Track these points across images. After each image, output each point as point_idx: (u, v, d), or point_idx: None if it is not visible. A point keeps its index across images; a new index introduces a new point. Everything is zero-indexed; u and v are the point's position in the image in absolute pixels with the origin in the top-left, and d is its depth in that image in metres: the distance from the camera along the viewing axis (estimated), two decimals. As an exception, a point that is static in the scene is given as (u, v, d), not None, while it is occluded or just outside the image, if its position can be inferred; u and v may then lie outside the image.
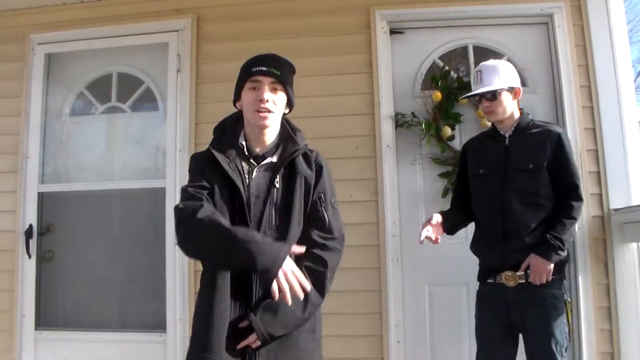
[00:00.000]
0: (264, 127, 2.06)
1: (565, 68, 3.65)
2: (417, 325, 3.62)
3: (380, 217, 3.63)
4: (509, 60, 3.54)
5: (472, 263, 2.95)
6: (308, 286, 1.83)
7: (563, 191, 2.73)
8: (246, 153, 2.09)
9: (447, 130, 3.66)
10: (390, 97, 3.76)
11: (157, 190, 3.87)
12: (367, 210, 3.65)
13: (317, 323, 2.07)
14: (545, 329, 2.62)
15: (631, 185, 3.50)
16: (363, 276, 3.58)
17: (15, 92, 4.10)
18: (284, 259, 1.79)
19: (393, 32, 3.86)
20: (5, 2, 4.15)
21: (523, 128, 2.85)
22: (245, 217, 1.96)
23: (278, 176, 2.04)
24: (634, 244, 3.41)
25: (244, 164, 2.06)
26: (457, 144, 3.60)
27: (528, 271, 2.66)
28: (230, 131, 2.14)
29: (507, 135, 2.87)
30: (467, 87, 3.46)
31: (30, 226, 3.92)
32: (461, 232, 3.25)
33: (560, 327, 2.62)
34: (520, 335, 2.75)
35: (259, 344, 1.88)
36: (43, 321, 3.91)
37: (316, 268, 1.98)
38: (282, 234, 1.99)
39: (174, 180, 3.77)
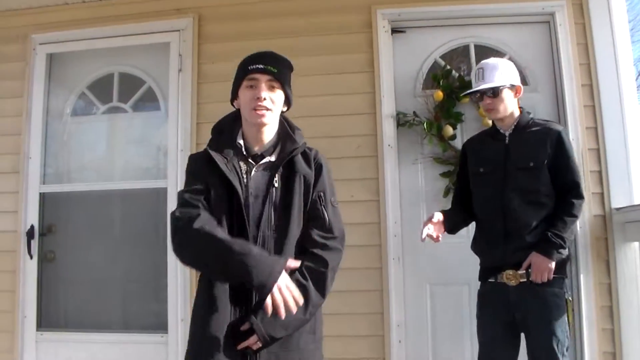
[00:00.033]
0: (262, 125, 2.05)
1: (567, 67, 3.64)
2: (419, 325, 3.61)
3: (381, 217, 3.63)
4: (510, 59, 3.53)
5: (474, 262, 2.95)
6: (301, 301, 1.85)
7: (564, 189, 2.73)
8: (244, 152, 2.08)
9: (449, 130, 3.66)
10: (392, 97, 3.76)
11: (158, 190, 3.87)
12: (368, 210, 3.64)
13: (317, 323, 2.05)
14: (546, 328, 2.62)
15: (633, 184, 3.50)
16: (364, 276, 3.57)
17: (16, 93, 4.10)
18: (280, 273, 1.82)
19: (394, 31, 3.86)
20: (7, 2, 4.15)
21: (523, 126, 2.85)
22: (244, 218, 1.95)
23: (277, 175, 2.03)
24: (636, 243, 3.40)
25: (241, 163, 2.04)
26: (459, 144, 3.59)
27: (529, 270, 2.66)
28: (228, 131, 2.13)
29: (507, 133, 2.87)
30: (468, 86, 3.45)
31: (32, 227, 3.92)
32: (462, 232, 3.24)
33: (562, 326, 2.62)
34: (523, 335, 2.75)
35: (260, 345, 1.87)
36: (44, 322, 3.91)
37: (317, 268, 1.97)
38: (281, 233, 1.98)
39: (176, 180, 3.77)
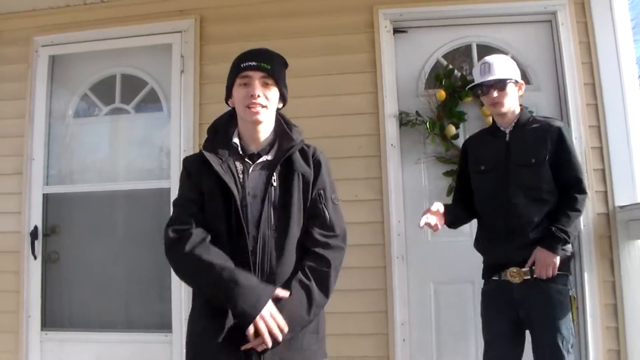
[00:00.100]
0: (257, 122, 2.03)
1: (569, 65, 3.65)
2: (423, 324, 3.61)
3: (385, 216, 3.63)
4: (512, 58, 3.51)
5: (477, 260, 2.94)
6: (286, 328, 1.85)
7: (566, 185, 2.73)
8: (240, 152, 2.05)
9: (452, 129, 3.66)
10: (394, 96, 3.76)
11: (161, 190, 3.87)
12: (372, 209, 3.65)
13: (320, 323, 2.04)
14: (551, 325, 2.61)
15: (636, 182, 3.50)
16: (368, 275, 3.58)
17: (19, 94, 4.11)
18: (265, 303, 1.83)
19: (396, 31, 3.86)
20: (9, 4, 4.15)
21: (523, 123, 2.85)
22: (241, 219, 1.93)
23: (275, 174, 2.00)
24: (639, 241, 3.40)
25: (237, 163, 2.02)
26: (461, 143, 3.59)
27: (533, 267, 2.66)
28: (223, 130, 2.11)
29: (507, 131, 2.87)
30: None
31: (36, 227, 3.93)
32: (465, 229, 3.25)
33: (567, 323, 2.62)
34: (528, 332, 2.75)
35: (265, 347, 1.85)
36: (49, 322, 3.92)
37: (320, 268, 1.95)
38: (281, 233, 1.96)
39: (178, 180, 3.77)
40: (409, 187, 3.72)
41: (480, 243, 2.95)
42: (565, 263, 2.69)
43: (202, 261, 1.86)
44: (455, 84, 3.73)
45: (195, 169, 2.04)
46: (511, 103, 2.84)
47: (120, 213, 4.12)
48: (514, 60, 3.06)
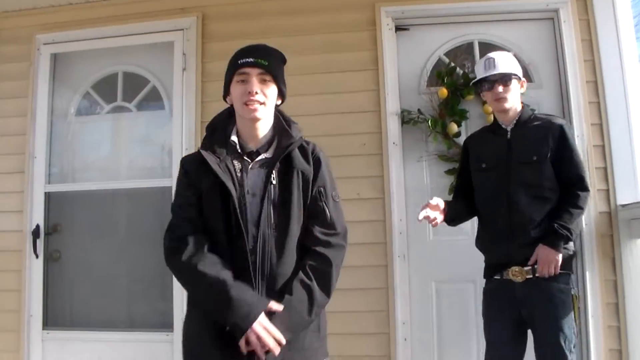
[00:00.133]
0: (255, 119, 2.01)
1: (572, 63, 3.63)
2: (424, 323, 3.61)
3: (386, 215, 3.62)
4: (514, 55, 3.51)
5: (479, 259, 2.94)
6: (284, 340, 1.83)
7: (569, 182, 2.72)
8: (239, 150, 2.04)
9: (454, 127, 3.65)
10: (396, 94, 3.75)
11: (163, 189, 3.86)
12: (373, 207, 3.64)
13: (322, 322, 2.03)
14: (553, 324, 2.61)
15: (638, 180, 3.48)
16: (370, 274, 3.57)
17: (21, 93, 4.11)
18: (256, 316, 1.81)
19: (398, 28, 3.85)
20: (11, 2, 4.15)
21: (525, 121, 2.85)
22: (239, 218, 1.91)
23: (274, 172, 1.98)
24: (642, 240, 3.39)
25: (235, 162, 2.00)
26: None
27: (535, 266, 2.65)
28: (221, 128, 2.09)
29: (508, 128, 2.86)
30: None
31: (37, 226, 3.93)
32: (467, 228, 3.25)
33: (569, 323, 2.61)
34: (529, 331, 2.74)
35: (267, 349, 1.83)
36: (50, 321, 3.92)
37: (321, 267, 1.94)
38: (282, 232, 1.95)
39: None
40: (411, 186, 3.71)
41: (481, 242, 2.94)
42: (568, 262, 2.68)
43: (197, 272, 1.86)
44: (457, 81, 3.72)
45: (193, 169, 2.03)
46: (514, 99, 2.84)
47: (122, 212, 4.12)
48: (516, 57, 3.05)
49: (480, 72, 2.89)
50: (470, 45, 3.86)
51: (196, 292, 1.95)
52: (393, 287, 3.55)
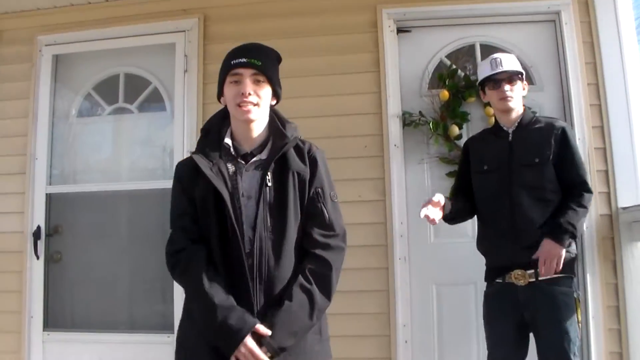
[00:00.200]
0: (249, 121, 1.98)
1: (573, 65, 3.63)
2: (425, 325, 3.60)
3: (387, 217, 3.62)
4: (516, 58, 3.53)
5: (480, 262, 2.93)
6: None
7: (570, 185, 2.71)
8: (233, 152, 2.00)
9: (455, 129, 3.65)
10: (398, 96, 3.75)
11: (165, 190, 3.81)
12: (374, 210, 3.64)
13: (323, 324, 2.01)
14: (557, 328, 2.59)
15: (639, 183, 3.48)
16: (370, 276, 3.57)
17: (22, 94, 4.11)
18: (242, 339, 1.78)
19: (400, 30, 3.85)
20: (13, 3, 4.15)
21: (526, 123, 2.85)
22: (233, 222, 1.89)
23: (269, 174, 1.94)
24: (643, 243, 3.39)
25: (229, 165, 1.97)
26: (465, 143, 3.60)
27: (537, 270, 2.63)
28: (215, 131, 2.06)
29: (510, 131, 2.86)
30: (474, 85, 3.46)
31: (38, 227, 3.93)
32: (468, 231, 3.25)
33: (573, 325, 2.60)
34: (531, 335, 2.73)
35: (270, 355, 1.81)
36: (51, 322, 3.91)
37: (321, 271, 1.92)
38: (278, 234, 1.92)
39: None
40: (412, 188, 3.70)
41: (483, 244, 2.93)
42: (570, 265, 2.67)
43: (188, 288, 1.92)
44: (458, 84, 3.72)
45: (186, 174, 2.01)
46: (518, 100, 2.84)
47: (123, 213, 4.11)
48: (518, 60, 3.05)
49: (486, 72, 2.88)
50: (471, 48, 3.86)
51: (191, 307, 1.96)
52: (394, 290, 3.55)
